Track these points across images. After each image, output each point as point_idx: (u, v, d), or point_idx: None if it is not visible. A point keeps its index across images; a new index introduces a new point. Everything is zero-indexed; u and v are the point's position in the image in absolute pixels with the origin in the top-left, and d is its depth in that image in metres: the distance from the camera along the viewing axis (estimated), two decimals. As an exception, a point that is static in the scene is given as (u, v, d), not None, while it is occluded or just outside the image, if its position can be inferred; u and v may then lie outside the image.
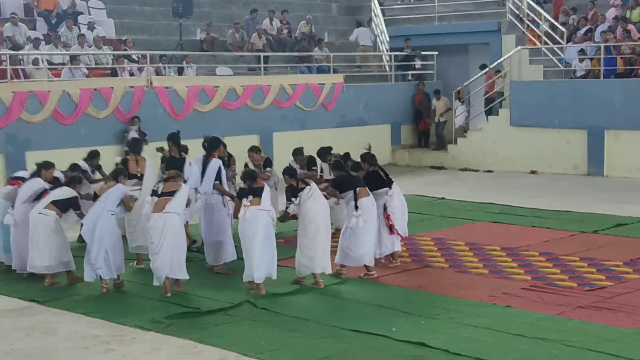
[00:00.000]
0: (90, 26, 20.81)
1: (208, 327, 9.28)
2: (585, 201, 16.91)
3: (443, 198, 17.69)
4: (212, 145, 12.09)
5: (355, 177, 11.47)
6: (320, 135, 21.43)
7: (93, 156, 13.85)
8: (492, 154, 22.12)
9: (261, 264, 10.43)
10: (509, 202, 16.97)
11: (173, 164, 12.12)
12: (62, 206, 11.07)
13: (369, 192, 11.31)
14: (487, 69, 23.11)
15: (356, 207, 11.07)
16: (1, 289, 11.07)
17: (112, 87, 18.02)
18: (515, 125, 21.72)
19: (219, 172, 11.82)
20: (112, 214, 10.79)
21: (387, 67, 24.97)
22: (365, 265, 11.30)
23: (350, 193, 11.17)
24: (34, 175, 11.90)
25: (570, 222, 14.90)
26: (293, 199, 10.84)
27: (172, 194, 10.62)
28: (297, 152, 13.99)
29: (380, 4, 27.02)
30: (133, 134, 17.18)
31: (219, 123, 19.36)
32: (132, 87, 18.41)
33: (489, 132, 22.39)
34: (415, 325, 9.21)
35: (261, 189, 10.58)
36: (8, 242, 11.80)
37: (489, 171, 21.82)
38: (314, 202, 10.80)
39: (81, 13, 21.88)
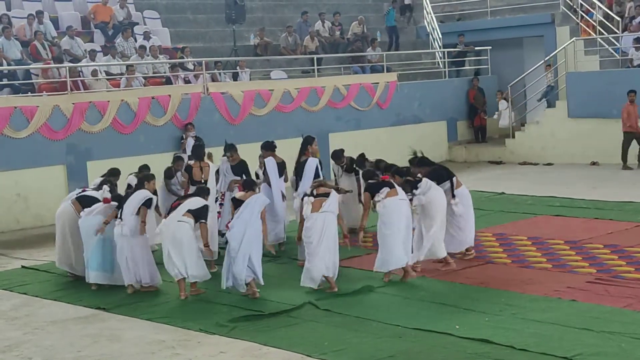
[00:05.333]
0: (146, 36, 21.09)
1: (271, 329, 9.34)
2: (648, 191, 16.64)
3: (503, 193, 17.54)
4: (305, 143, 12.33)
5: (445, 168, 12.12)
6: (376, 134, 21.47)
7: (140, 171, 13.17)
8: (551, 146, 21.87)
9: (408, 249, 10.90)
10: (570, 194, 16.76)
11: (241, 168, 12.88)
12: (195, 215, 10.86)
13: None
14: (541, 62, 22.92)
15: (453, 196, 11.65)
16: (68, 297, 11.27)
17: (170, 95, 18.25)
18: (573, 116, 21.45)
19: (317, 170, 12.02)
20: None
21: (440, 63, 24.87)
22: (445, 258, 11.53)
23: (447, 184, 11.69)
24: (138, 187, 11.61)
25: (634, 213, 14.66)
26: (415, 190, 11.26)
27: (326, 194, 10.82)
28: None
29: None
30: (190, 140, 17.37)
31: (274, 126, 19.49)
32: (187, 94, 18.61)
33: (546, 124, 22.13)
34: (478, 322, 9.15)
35: (392, 183, 11.02)
36: (107, 260, 11.48)
37: (549, 164, 21.58)
38: (437, 191, 11.34)
39: (137, 24, 22.18)
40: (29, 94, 17.58)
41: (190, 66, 20.66)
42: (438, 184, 11.56)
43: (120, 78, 19.07)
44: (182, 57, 20.78)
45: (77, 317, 10.36)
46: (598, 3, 22.60)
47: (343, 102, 21.30)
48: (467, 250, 12.03)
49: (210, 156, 13.29)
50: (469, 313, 9.53)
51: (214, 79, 20.08)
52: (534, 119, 22.95)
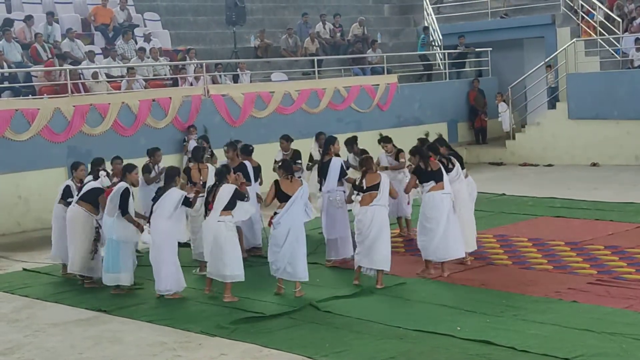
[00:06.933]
0: (147, 38, 21.09)
1: (272, 331, 9.35)
2: (649, 192, 16.63)
3: (503, 194, 17.54)
4: (327, 143, 12.40)
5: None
6: (377, 136, 21.40)
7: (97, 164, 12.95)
8: (551, 148, 21.88)
9: (447, 242, 11.00)
10: (570, 195, 16.76)
11: (241, 171, 12.53)
12: (231, 206, 10.69)
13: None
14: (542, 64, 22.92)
15: None
16: (69, 299, 11.28)
17: (170, 97, 18.25)
18: (573, 118, 21.47)
19: (341, 169, 12.11)
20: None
21: (440, 65, 24.87)
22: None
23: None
24: (166, 184, 11.09)
25: (634, 214, 14.67)
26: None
27: (376, 187, 10.85)
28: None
29: (436, 2, 26.95)
30: (193, 142, 17.37)
31: (275, 128, 19.45)
32: (187, 96, 18.60)
33: (547, 126, 22.14)
34: (480, 324, 9.16)
35: (441, 173, 11.11)
36: (117, 261, 11.24)
37: (549, 165, 21.58)
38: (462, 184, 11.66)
39: (137, 26, 22.16)
40: (30, 96, 17.59)
41: (191, 68, 20.65)
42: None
43: (121, 80, 19.07)
44: (185, 58, 20.76)
45: (78, 319, 10.37)
46: (598, 4, 22.61)
47: (343, 103, 21.30)
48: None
49: (210, 159, 13.30)
50: (470, 314, 9.54)
51: (214, 81, 20.09)
52: (535, 120, 22.95)
